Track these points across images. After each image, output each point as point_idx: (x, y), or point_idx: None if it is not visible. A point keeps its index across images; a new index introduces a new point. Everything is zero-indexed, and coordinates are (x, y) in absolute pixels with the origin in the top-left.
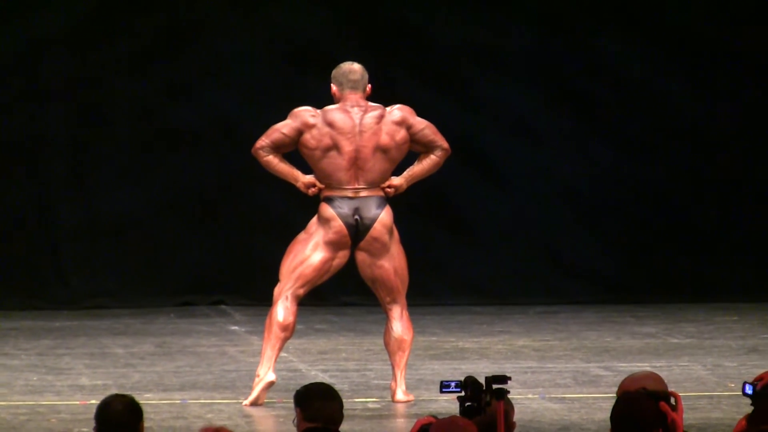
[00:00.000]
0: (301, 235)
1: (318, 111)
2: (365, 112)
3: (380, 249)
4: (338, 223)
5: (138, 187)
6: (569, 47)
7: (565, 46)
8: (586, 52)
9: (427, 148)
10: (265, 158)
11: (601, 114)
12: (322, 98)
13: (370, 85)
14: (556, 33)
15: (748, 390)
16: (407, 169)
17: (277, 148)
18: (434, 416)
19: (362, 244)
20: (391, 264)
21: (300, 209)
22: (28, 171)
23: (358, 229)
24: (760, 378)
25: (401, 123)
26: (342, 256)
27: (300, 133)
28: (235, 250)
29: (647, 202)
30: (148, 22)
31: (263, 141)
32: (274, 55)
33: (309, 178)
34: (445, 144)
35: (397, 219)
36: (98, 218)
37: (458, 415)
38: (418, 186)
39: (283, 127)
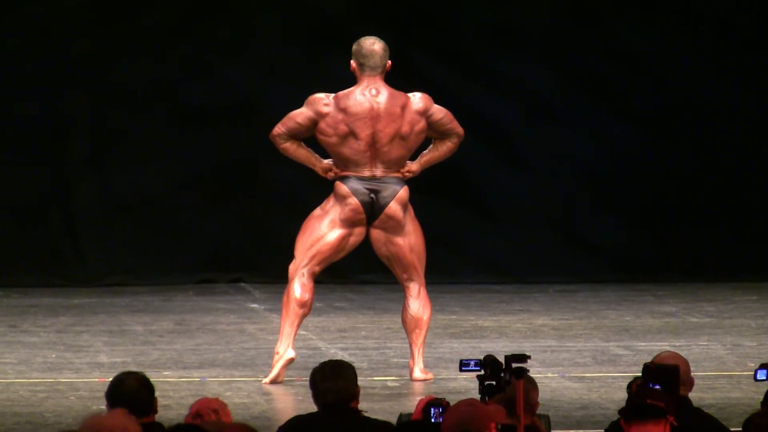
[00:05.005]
0: (317, 212)
1: (331, 98)
2: (384, 96)
3: (395, 226)
4: (354, 201)
5: (157, 165)
6: (587, 27)
7: (582, 26)
8: (603, 32)
9: (444, 135)
10: (282, 145)
11: (619, 93)
12: (342, 76)
13: (390, 62)
14: (575, 13)
15: (761, 376)
16: (421, 155)
17: (293, 135)
18: (435, 395)
19: (377, 221)
20: (406, 241)
21: (319, 187)
22: (47, 149)
23: (373, 207)
24: None
25: (423, 113)
26: (358, 234)
27: (314, 121)
28: (254, 227)
29: (666, 181)
30: (168, 0)
31: (280, 128)
32: (293, 32)
33: (327, 163)
34: (460, 131)
35: (417, 198)
36: (117, 196)
37: (478, 394)
38: (438, 165)
39: (298, 116)
